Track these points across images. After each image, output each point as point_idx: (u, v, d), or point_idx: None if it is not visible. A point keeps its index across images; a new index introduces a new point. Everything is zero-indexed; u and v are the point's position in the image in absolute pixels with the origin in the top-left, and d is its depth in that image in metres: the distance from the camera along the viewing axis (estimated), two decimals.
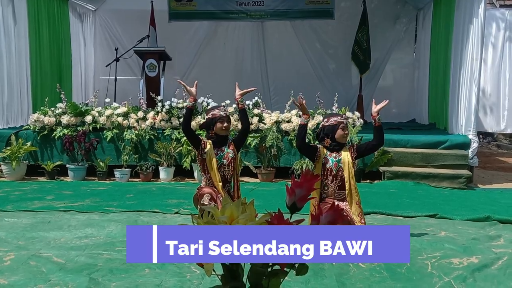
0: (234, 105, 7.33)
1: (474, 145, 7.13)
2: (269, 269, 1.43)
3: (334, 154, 4.14)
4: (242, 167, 7.01)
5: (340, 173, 4.09)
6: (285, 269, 1.43)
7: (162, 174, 7.11)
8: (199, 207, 4.09)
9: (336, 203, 3.72)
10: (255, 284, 1.42)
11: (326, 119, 4.21)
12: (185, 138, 6.97)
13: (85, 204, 5.40)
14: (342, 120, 4.14)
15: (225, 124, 4.25)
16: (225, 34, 11.27)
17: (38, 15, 8.48)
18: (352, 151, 4.16)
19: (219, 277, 1.52)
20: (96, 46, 11.01)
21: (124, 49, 9.29)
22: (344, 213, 3.91)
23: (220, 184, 4.16)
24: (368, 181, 7.07)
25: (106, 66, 8.97)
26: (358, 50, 10.27)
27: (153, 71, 8.16)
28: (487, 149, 12.01)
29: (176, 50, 9.75)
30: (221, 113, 4.26)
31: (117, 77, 8.88)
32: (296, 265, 1.45)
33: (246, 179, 7.14)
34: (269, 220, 1.37)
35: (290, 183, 1.55)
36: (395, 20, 11.00)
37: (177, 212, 5.05)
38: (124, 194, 6.03)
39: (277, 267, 1.43)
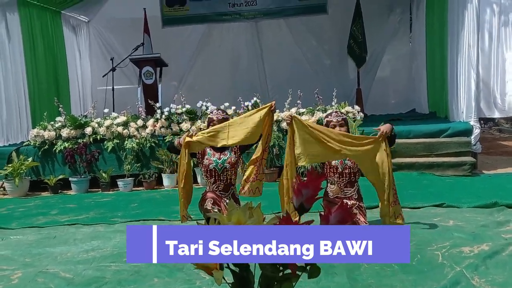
0: (234, 107, 7.32)
1: (476, 131, 7.10)
2: (280, 274, 1.40)
3: None
4: (245, 169, 6.98)
5: (346, 171, 4.06)
6: (297, 272, 1.41)
7: (166, 181, 7.09)
8: (203, 212, 4.07)
9: (345, 201, 3.72)
10: None
11: (325, 117, 4.23)
12: None
13: (90, 217, 5.38)
14: (331, 119, 4.11)
15: None
16: (219, 36, 11.26)
17: (32, 30, 8.47)
18: None
19: (230, 285, 1.49)
20: (91, 57, 10.99)
21: (119, 58, 9.27)
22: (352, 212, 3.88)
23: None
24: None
25: (103, 77, 8.94)
26: (354, 44, 10.25)
27: (150, 78, 8.14)
28: (489, 134, 11.98)
29: (171, 56, 9.72)
30: (214, 117, 4.24)
31: (115, 87, 8.85)
32: (308, 267, 1.43)
33: None
34: (278, 223, 1.34)
35: (295, 182, 1.52)
36: (389, 11, 10.98)
37: None
38: (129, 203, 6.01)
39: (288, 271, 1.41)
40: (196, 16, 10.80)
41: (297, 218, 1.43)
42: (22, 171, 6.98)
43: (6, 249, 4.26)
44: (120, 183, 7.05)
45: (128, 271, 3.50)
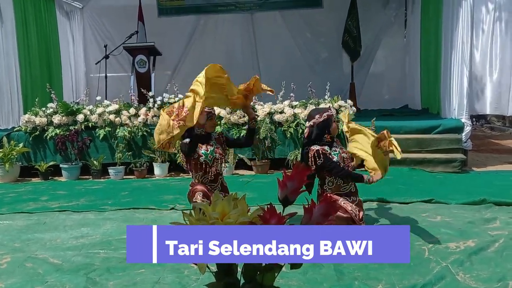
0: None
1: (467, 128, 7.14)
2: (263, 264, 1.42)
3: (334, 148, 4.10)
4: (236, 160, 7.00)
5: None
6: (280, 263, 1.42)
7: (157, 170, 7.09)
8: (192, 204, 4.06)
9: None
10: (249, 280, 1.41)
11: (317, 116, 4.01)
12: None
13: (80, 204, 5.38)
14: (332, 113, 4.10)
15: (214, 121, 4.24)
16: (214, 27, 11.20)
17: (25, 14, 8.38)
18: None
19: (214, 274, 1.51)
20: (85, 44, 10.90)
21: (113, 45, 9.21)
22: (337, 205, 3.85)
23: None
24: (363, 169, 7.05)
25: (96, 64, 8.90)
26: (348, 38, 10.22)
27: (143, 67, 8.11)
28: (480, 132, 12.06)
29: (166, 45, 9.66)
30: (210, 110, 4.21)
31: (108, 75, 8.80)
32: None
33: (241, 171, 7.13)
34: (261, 214, 1.35)
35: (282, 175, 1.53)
36: (385, 5, 10.95)
37: (172, 208, 5.04)
38: (119, 191, 6.01)
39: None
40: (192, 7, 10.73)
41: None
42: (12, 157, 6.96)
43: None
44: (111, 171, 7.04)
45: (117, 259, 3.52)
